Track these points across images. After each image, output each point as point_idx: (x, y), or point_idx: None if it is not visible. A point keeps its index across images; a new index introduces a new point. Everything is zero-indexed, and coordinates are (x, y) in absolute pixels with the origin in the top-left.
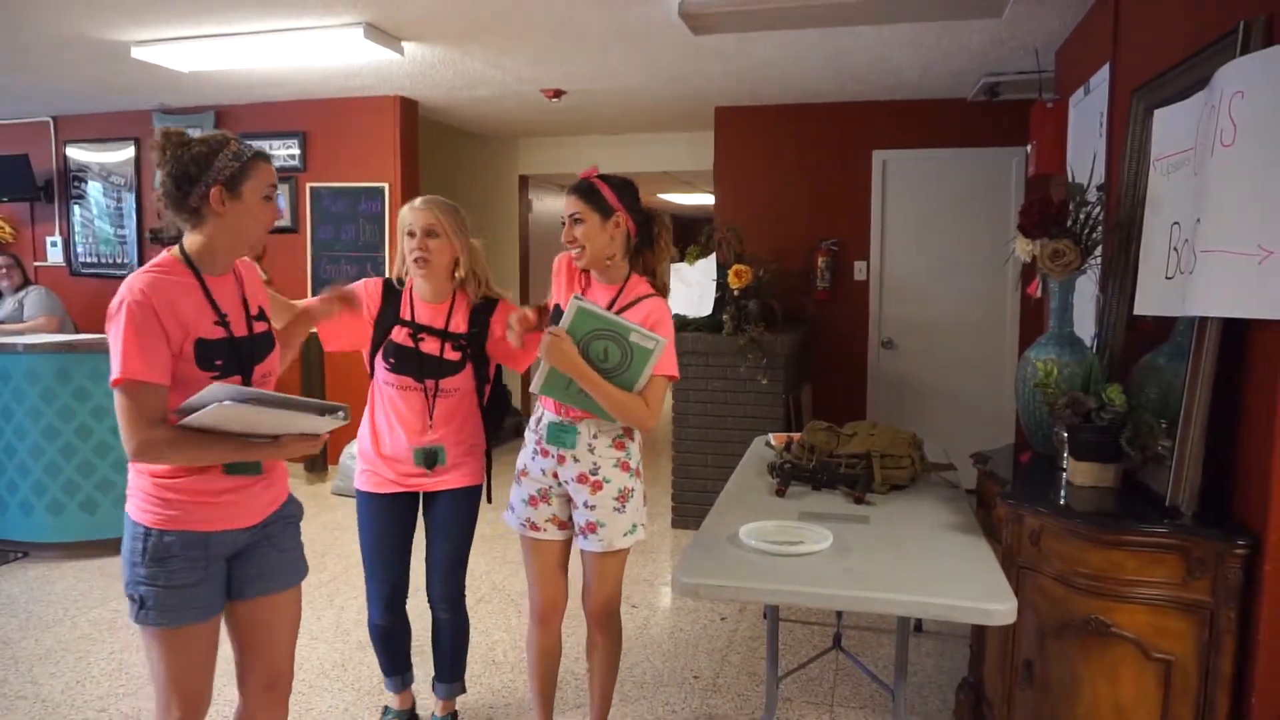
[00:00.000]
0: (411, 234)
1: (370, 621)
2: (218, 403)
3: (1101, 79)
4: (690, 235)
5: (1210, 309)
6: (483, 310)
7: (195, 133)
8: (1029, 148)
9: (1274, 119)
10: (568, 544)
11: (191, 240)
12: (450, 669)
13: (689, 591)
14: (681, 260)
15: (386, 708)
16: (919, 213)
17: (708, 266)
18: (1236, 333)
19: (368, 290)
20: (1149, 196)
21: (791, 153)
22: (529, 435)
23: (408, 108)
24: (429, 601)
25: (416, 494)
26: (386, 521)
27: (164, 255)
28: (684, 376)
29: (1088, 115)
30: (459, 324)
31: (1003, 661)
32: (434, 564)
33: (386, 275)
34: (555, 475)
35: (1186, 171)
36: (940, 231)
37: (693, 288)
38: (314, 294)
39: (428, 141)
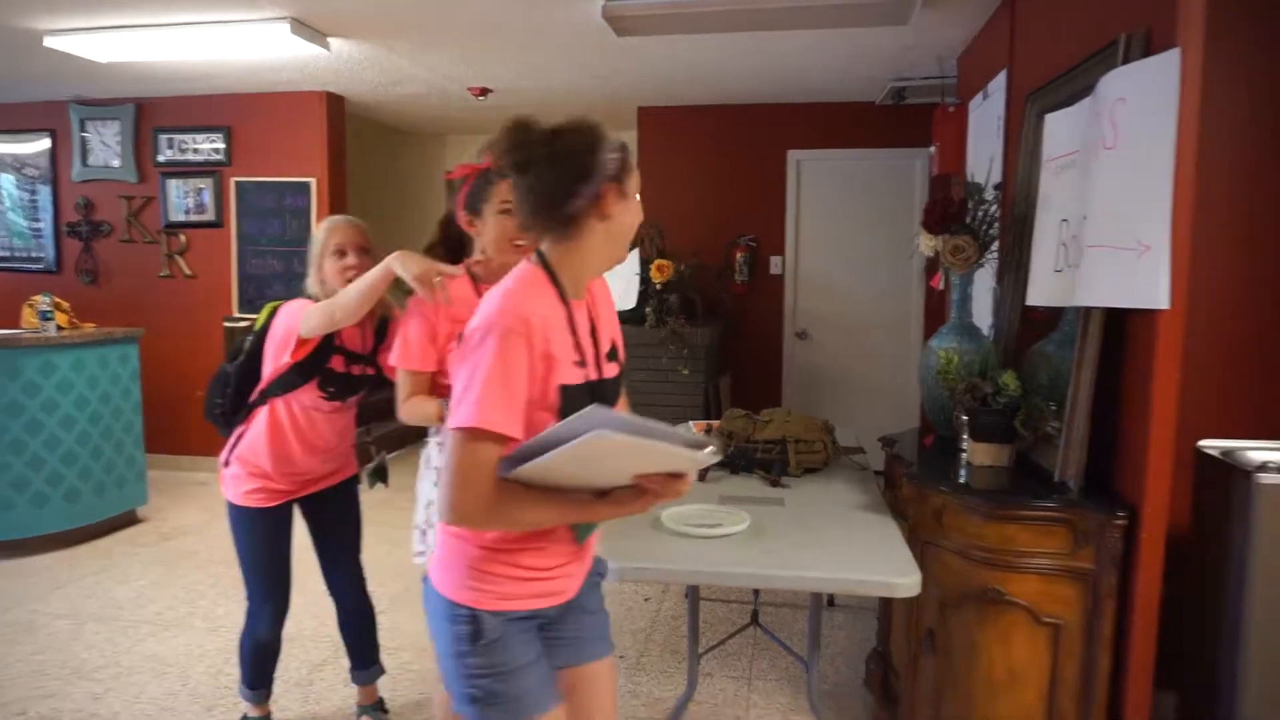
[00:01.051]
0: (341, 252)
1: (255, 640)
2: (594, 432)
3: (999, 85)
4: None
5: (1094, 299)
6: (382, 324)
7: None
8: (932, 149)
9: (1151, 124)
10: None
11: (558, 254)
12: (370, 653)
13: (614, 574)
14: None
15: (246, 717)
16: (831, 210)
17: (630, 261)
18: (1118, 322)
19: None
20: (1041, 195)
21: (711, 152)
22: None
23: (334, 103)
24: (336, 594)
25: (291, 501)
26: (280, 535)
27: (525, 267)
28: None
29: (986, 119)
30: (369, 339)
31: (908, 631)
32: (340, 552)
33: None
34: None
35: (1074, 172)
36: (851, 228)
37: (617, 281)
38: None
39: (355, 137)
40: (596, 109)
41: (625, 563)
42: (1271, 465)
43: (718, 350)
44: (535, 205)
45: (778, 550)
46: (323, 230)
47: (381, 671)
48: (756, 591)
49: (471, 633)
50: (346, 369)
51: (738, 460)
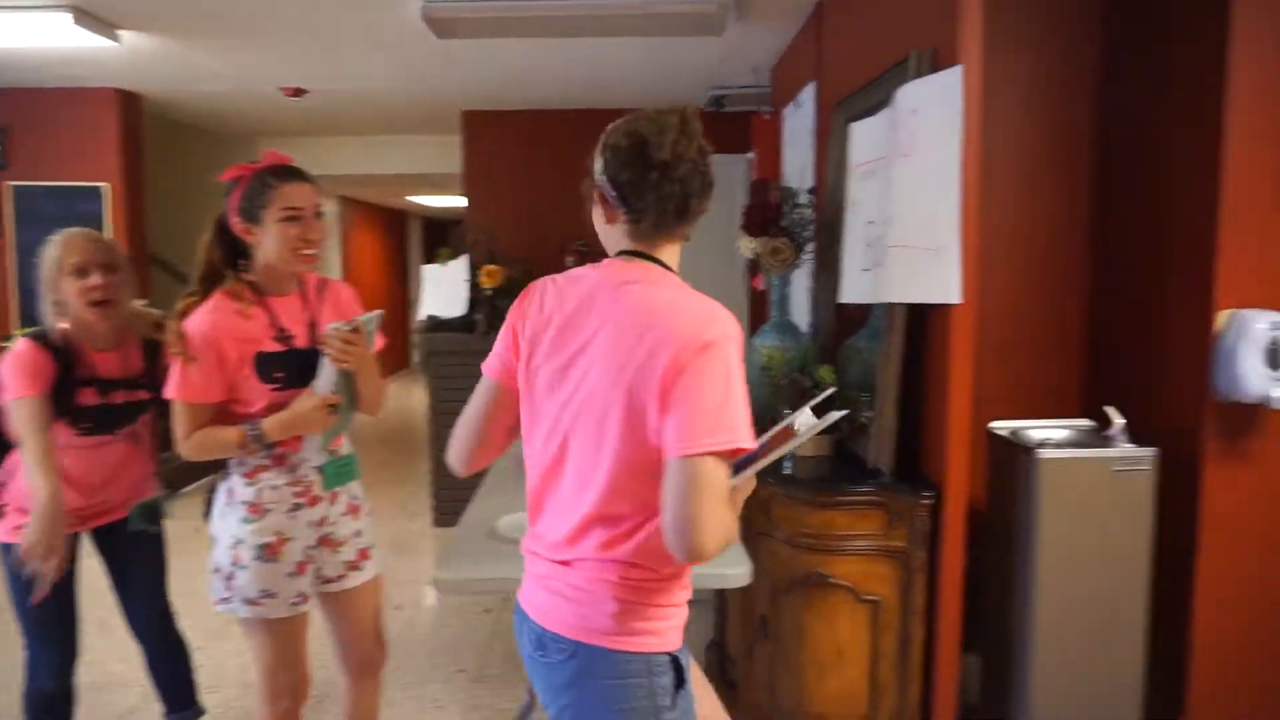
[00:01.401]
0: (82, 271)
1: (40, 693)
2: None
3: (809, 95)
4: (441, 238)
5: (897, 296)
6: (152, 343)
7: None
8: (751, 155)
9: (940, 134)
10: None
11: (666, 251)
12: (185, 694)
13: (450, 587)
14: (433, 262)
15: None
16: None
17: (459, 267)
18: (920, 317)
19: (36, 363)
20: (849, 199)
21: (540, 156)
22: (271, 494)
23: (128, 101)
24: (139, 633)
25: (77, 535)
26: (64, 574)
27: (668, 274)
28: (440, 376)
29: (799, 127)
30: (136, 361)
31: (742, 620)
32: (140, 587)
33: (38, 329)
34: (322, 522)
35: (878, 178)
36: None
37: (445, 288)
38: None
39: (156, 138)
40: (421, 112)
41: (460, 574)
42: (1050, 442)
43: None
44: (662, 208)
45: None
46: (56, 247)
47: (201, 713)
48: None
49: (676, 680)
50: (104, 399)
51: None
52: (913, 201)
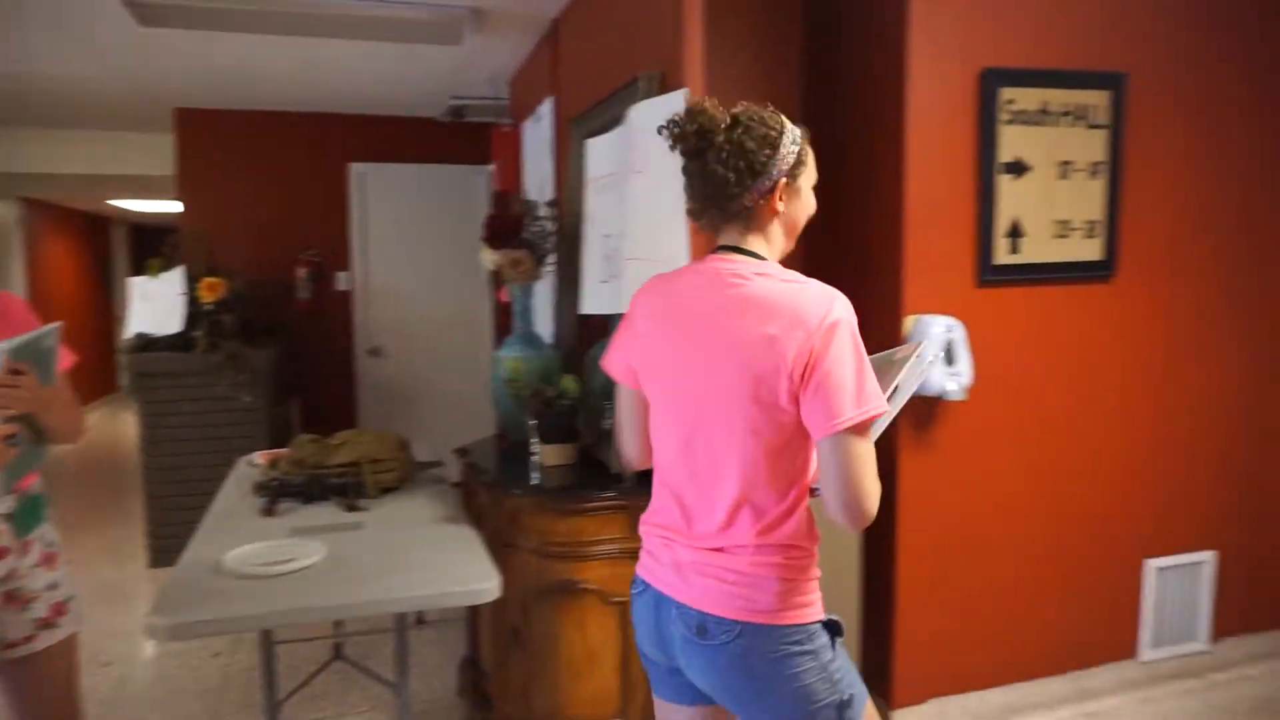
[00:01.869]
0: None
1: None
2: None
3: (547, 109)
4: (152, 247)
5: None
6: None
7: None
8: (492, 167)
9: (669, 151)
10: None
11: (755, 242)
12: None
13: (167, 634)
14: (142, 274)
15: None
16: (399, 224)
17: (174, 280)
18: None
19: None
20: (587, 213)
21: (266, 161)
22: None
23: None
24: None
25: None
26: None
27: (753, 262)
28: (153, 400)
29: (539, 140)
30: None
31: (495, 633)
32: None
33: None
34: (10, 576)
35: (613, 193)
36: (421, 242)
37: (156, 303)
38: None
39: None
40: (127, 107)
41: (180, 618)
42: None
43: (284, 373)
44: (706, 194)
45: (358, 576)
46: None
47: None
48: (339, 624)
49: (830, 640)
50: None
51: (310, 489)
52: (646, 216)
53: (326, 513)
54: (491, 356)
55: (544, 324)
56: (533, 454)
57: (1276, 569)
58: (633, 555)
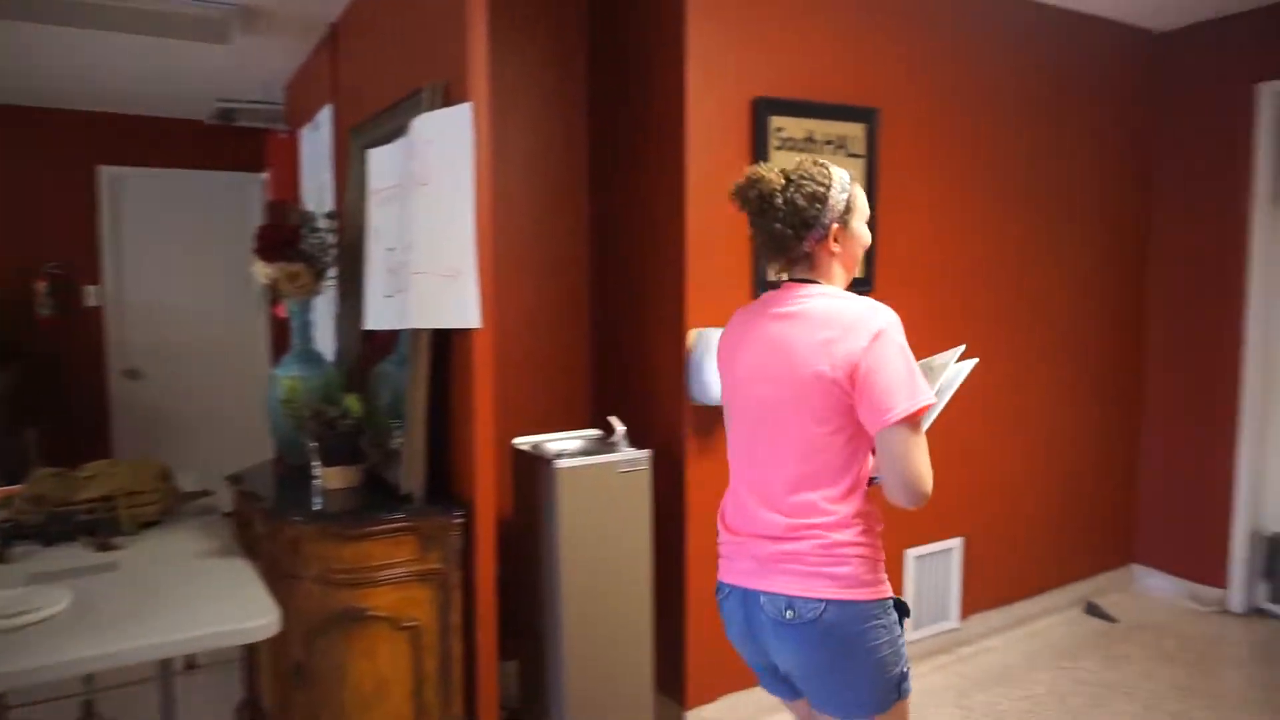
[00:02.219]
0: None
1: None
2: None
3: (326, 117)
4: None
5: (421, 322)
6: None
7: None
8: (266, 175)
9: (454, 164)
10: None
11: (817, 275)
12: None
13: None
14: None
15: None
16: (161, 235)
17: None
18: (444, 341)
19: None
20: (370, 225)
21: (5, 163)
22: None
23: None
24: None
25: None
26: None
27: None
28: None
29: (318, 148)
30: None
31: (276, 671)
32: None
33: None
34: None
35: (397, 205)
36: (187, 255)
37: None
38: None
39: None
40: None
41: None
42: (565, 453)
43: (21, 398)
44: (771, 246)
45: (111, 623)
46: None
47: None
48: (90, 678)
49: (899, 617)
50: None
51: (52, 529)
52: (431, 229)
53: (73, 554)
54: (268, 376)
55: (325, 341)
56: (314, 478)
57: (1011, 549)
58: (425, 577)
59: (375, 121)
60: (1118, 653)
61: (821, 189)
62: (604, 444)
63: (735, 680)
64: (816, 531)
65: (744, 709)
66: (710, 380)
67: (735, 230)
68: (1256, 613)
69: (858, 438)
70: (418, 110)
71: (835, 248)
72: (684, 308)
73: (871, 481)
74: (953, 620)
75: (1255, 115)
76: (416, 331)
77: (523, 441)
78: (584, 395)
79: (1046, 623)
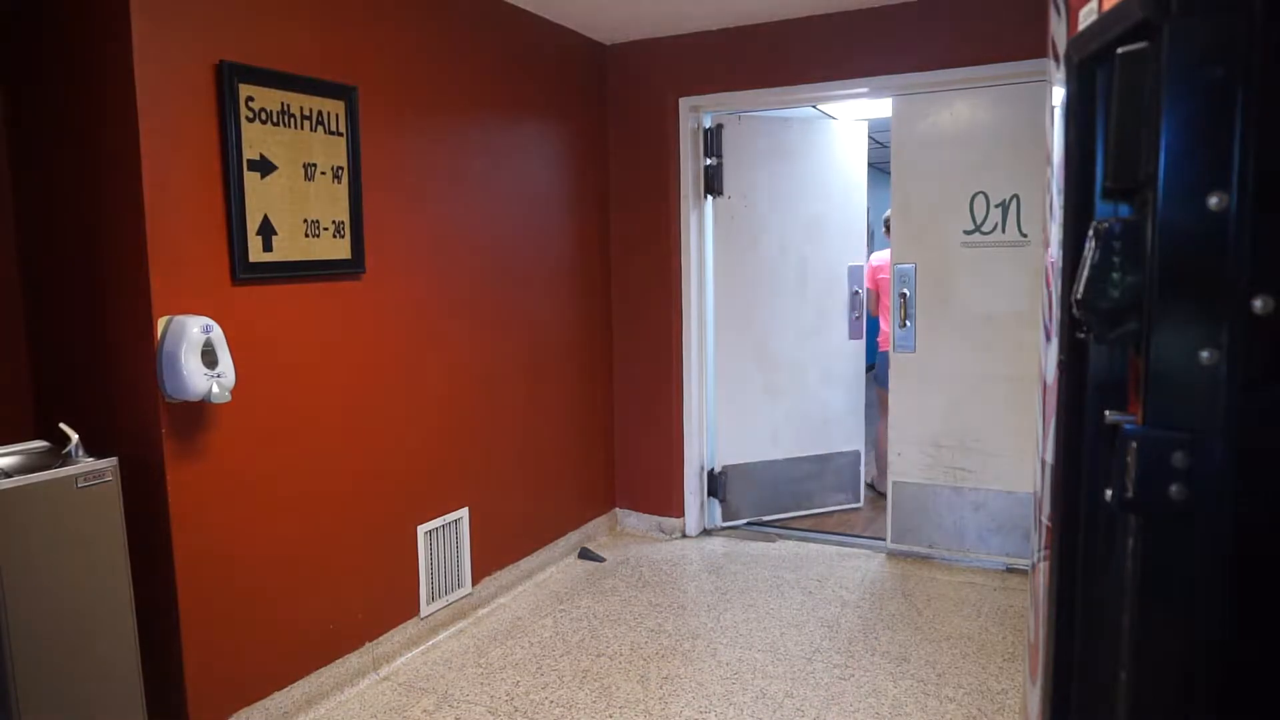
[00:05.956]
0: None
1: None
2: None
3: None
4: None
5: None
6: None
7: None
8: None
9: None
10: None
11: None
12: None
13: None
14: None
15: None
16: None
17: None
18: None
19: None
20: None
21: None
22: None
23: None
24: None
25: None
26: None
27: None
28: None
29: None
30: None
31: None
32: None
33: None
34: None
35: None
36: None
37: None
38: None
39: None
40: None
41: None
42: (4, 471)
43: None
44: None
45: None
46: None
47: None
48: None
49: None
50: None
51: None
52: None
53: None
54: None
55: None
56: None
57: (508, 513)
58: None
59: None
60: (606, 587)
61: None
62: (55, 456)
63: (246, 692)
64: None
65: None
66: (189, 373)
67: (207, 207)
68: (704, 533)
69: None
70: None
71: None
72: (148, 292)
73: None
74: (466, 586)
75: (679, 124)
76: None
77: None
78: (27, 404)
79: (548, 573)
